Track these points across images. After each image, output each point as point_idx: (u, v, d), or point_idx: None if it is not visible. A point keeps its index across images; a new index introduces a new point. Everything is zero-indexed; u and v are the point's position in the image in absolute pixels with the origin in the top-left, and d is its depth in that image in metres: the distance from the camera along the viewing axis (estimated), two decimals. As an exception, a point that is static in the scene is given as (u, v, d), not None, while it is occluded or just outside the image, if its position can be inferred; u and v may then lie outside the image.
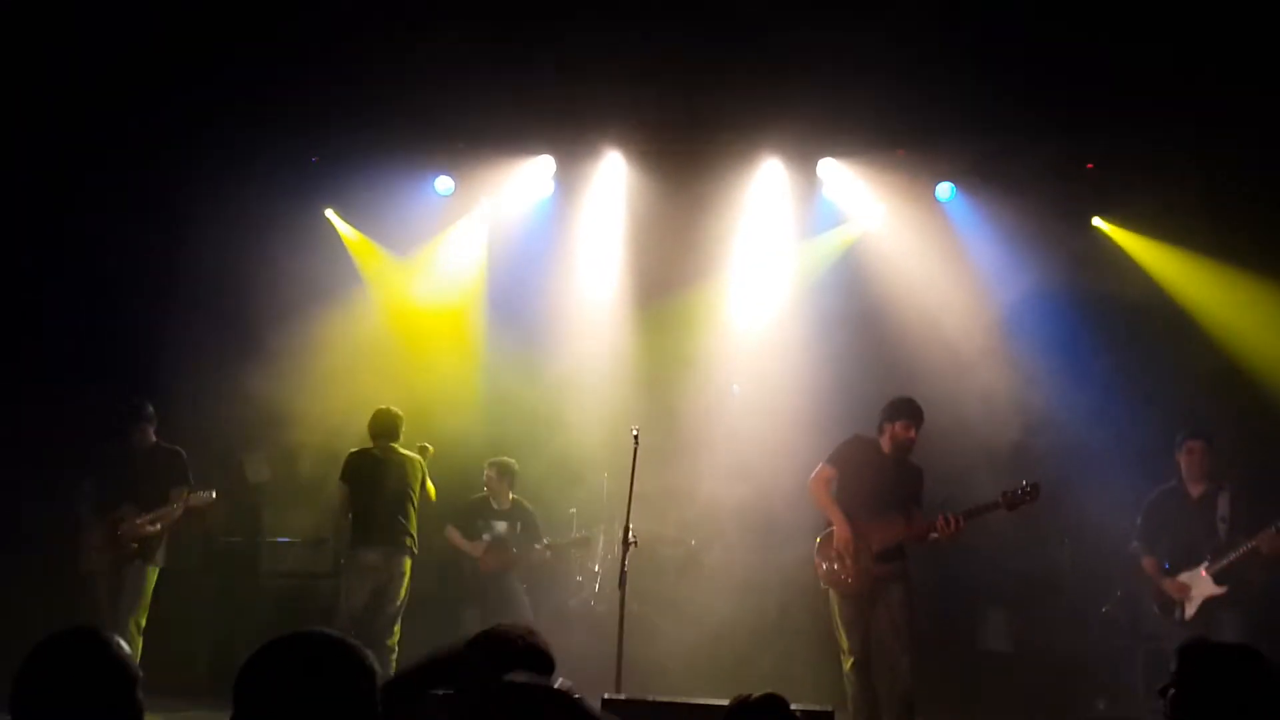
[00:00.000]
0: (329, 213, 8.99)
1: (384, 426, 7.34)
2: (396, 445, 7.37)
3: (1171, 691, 2.77)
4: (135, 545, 6.82)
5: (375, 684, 2.06)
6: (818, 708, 4.22)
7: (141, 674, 2.23)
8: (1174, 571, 6.52)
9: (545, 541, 8.01)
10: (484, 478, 8.16)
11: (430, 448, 7.57)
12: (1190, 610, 6.40)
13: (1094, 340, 8.14)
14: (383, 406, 7.41)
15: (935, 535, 6.24)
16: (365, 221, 8.93)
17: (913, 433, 6.43)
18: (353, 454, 7.34)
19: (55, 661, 2.17)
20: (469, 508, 8.15)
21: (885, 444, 6.47)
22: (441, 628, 7.67)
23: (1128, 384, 7.86)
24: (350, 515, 7.29)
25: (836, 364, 8.20)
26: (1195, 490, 6.62)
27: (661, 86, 7.84)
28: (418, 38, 7.55)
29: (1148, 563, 6.66)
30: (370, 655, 2.08)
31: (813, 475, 6.55)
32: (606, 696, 4.86)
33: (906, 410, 6.43)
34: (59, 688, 2.14)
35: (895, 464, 6.47)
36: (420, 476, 7.39)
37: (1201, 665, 2.78)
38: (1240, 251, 7.91)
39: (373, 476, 7.24)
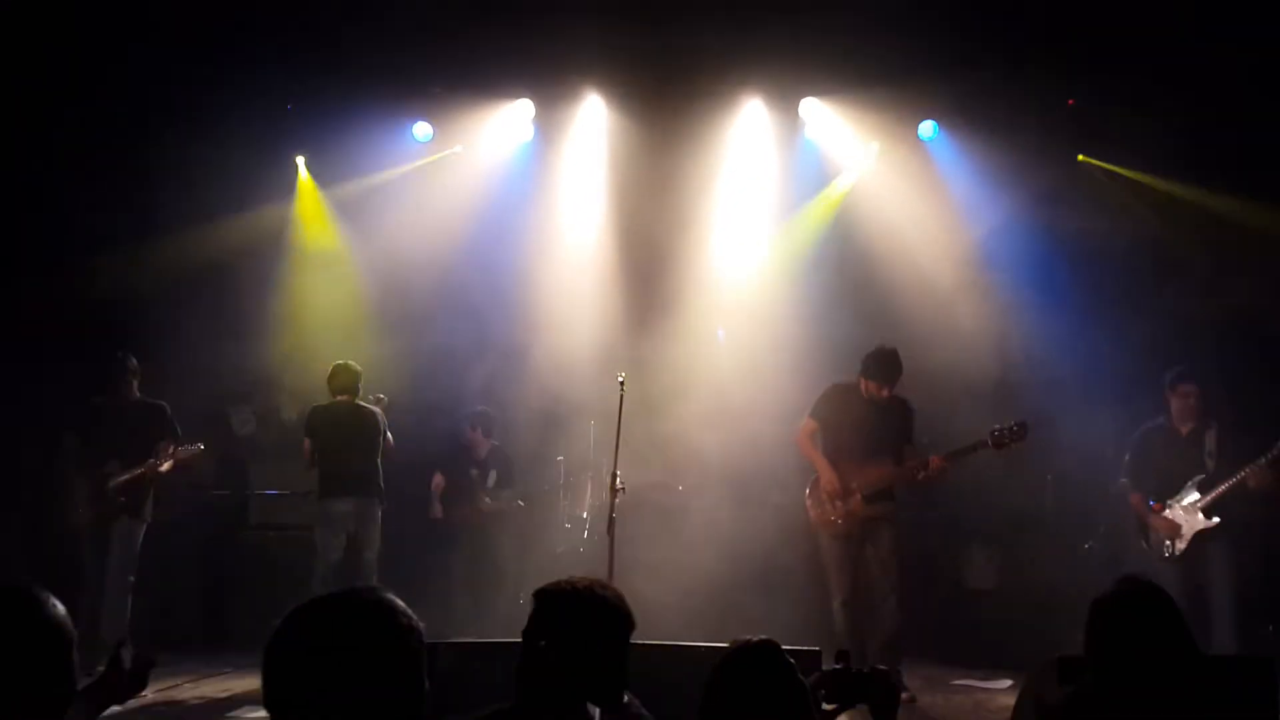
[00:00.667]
0: (299, 160, 8.85)
1: (344, 382, 7.46)
2: (357, 399, 7.49)
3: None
4: (122, 500, 6.81)
5: (421, 645, 1.93)
6: (806, 648, 4.25)
7: (76, 634, 2.08)
8: (1162, 508, 6.55)
9: (512, 495, 8.09)
10: (470, 424, 8.19)
11: (385, 398, 7.68)
12: (1180, 545, 6.43)
13: (1073, 276, 8.12)
14: (341, 362, 7.52)
15: (923, 475, 6.39)
16: (342, 169, 8.79)
17: (885, 392, 6.54)
18: (316, 409, 7.46)
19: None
20: (452, 454, 8.21)
21: (863, 391, 6.59)
22: (426, 574, 7.72)
23: (1108, 320, 7.87)
24: (318, 469, 7.37)
25: (821, 306, 8.19)
26: (1184, 428, 6.62)
27: (640, 26, 7.72)
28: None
29: (1135, 499, 6.67)
30: (413, 615, 1.94)
31: (799, 430, 6.71)
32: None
33: (876, 369, 6.51)
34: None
35: (878, 406, 6.57)
36: (382, 428, 7.52)
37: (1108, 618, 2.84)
38: (1220, 186, 7.87)
39: (337, 429, 7.36)
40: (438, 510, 8.17)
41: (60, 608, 2.08)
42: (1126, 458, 6.78)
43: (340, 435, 7.36)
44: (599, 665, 2.58)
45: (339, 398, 7.45)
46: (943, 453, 6.46)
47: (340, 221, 8.95)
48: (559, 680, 2.56)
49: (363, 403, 7.52)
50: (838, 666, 2.68)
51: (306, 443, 7.43)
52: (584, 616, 2.59)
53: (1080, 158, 8.56)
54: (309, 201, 8.96)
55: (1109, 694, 2.80)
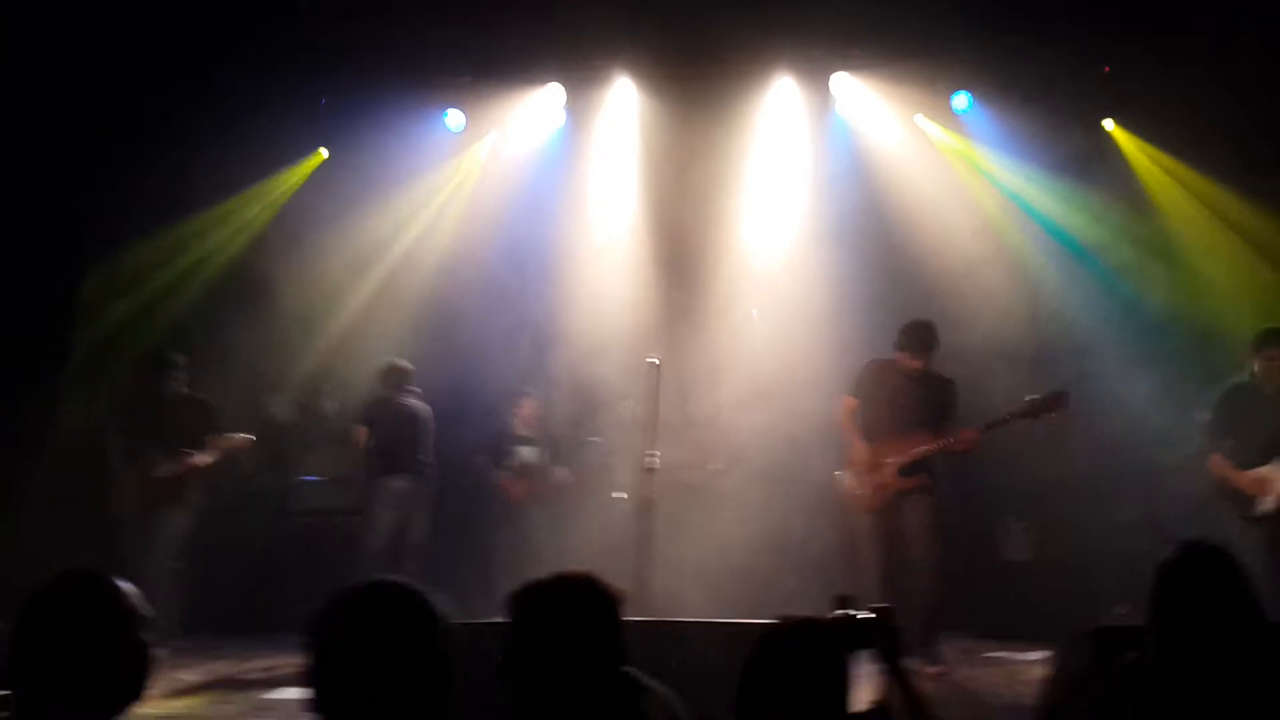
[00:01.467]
0: (323, 152, 8.95)
1: (398, 378, 7.94)
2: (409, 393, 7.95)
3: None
4: (167, 490, 6.98)
5: (446, 629, 2.07)
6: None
7: (151, 613, 2.21)
8: (1247, 466, 6.25)
9: (566, 470, 8.21)
10: (518, 406, 8.28)
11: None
12: (1271, 504, 6.14)
13: (1111, 249, 8.06)
14: (394, 361, 7.94)
15: (958, 445, 6.42)
16: (375, 160, 8.87)
17: (918, 364, 6.55)
18: (370, 403, 7.86)
19: (58, 603, 2.13)
20: (496, 436, 8.28)
21: (899, 365, 6.61)
22: (472, 554, 7.85)
23: (1141, 291, 7.82)
24: (375, 450, 7.72)
25: (854, 283, 8.18)
26: (1268, 388, 6.36)
27: (668, 6, 7.72)
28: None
29: (1216, 459, 6.37)
30: (440, 600, 2.09)
31: (840, 407, 6.79)
32: (631, 619, 4.99)
33: (911, 341, 6.55)
34: (63, 629, 2.10)
35: (915, 381, 6.59)
36: (431, 423, 7.96)
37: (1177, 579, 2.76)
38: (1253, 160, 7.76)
39: (398, 421, 7.80)
40: (499, 477, 8.24)
41: (133, 589, 2.21)
42: (1207, 417, 6.47)
43: (399, 424, 7.80)
44: (587, 648, 2.50)
45: (393, 392, 7.83)
46: (978, 425, 6.47)
47: (374, 212, 9.04)
48: (550, 671, 2.46)
49: (416, 400, 7.93)
50: (839, 613, 2.65)
51: (362, 430, 7.81)
52: (559, 605, 2.51)
53: (1112, 126, 8.45)
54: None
55: (1173, 662, 2.72)
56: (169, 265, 8.24)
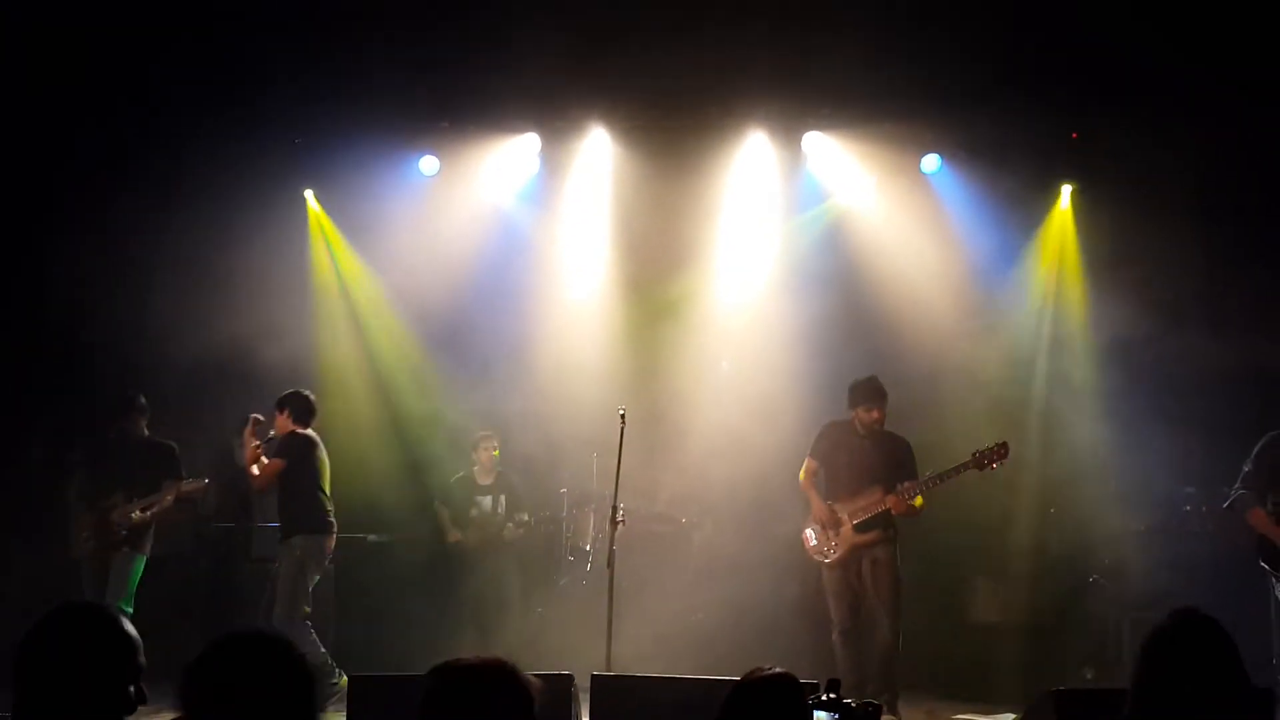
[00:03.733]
0: (308, 194, 8.93)
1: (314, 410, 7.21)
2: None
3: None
4: (124, 533, 6.84)
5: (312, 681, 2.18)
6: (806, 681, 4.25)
7: (143, 660, 2.32)
8: None
9: (524, 518, 8.03)
10: (479, 449, 8.11)
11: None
12: None
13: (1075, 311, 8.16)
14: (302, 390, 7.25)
15: (910, 500, 6.55)
16: (349, 202, 8.86)
17: (875, 413, 6.75)
18: (309, 436, 7.16)
19: (61, 631, 2.26)
20: (455, 486, 8.18)
21: (857, 425, 6.80)
22: (436, 606, 7.71)
23: (1109, 354, 7.90)
24: (314, 499, 7.04)
25: (824, 339, 8.22)
26: None
27: (644, 61, 7.79)
28: (400, 17, 7.52)
29: (1259, 515, 6.10)
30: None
31: (802, 470, 6.94)
32: (596, 674, 4.89)
33: (864, 394, 6.77)
34: (64, 656, 2.22)
35: (872, 441, 6.77)
36: None
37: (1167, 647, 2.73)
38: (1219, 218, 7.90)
39: (324, 460, 7.16)
40: (456, 534, 8.04)
41: (128, 623, 2.34)
42: (1248, 467, 6.21)
43: (325, 466, 7.14)
44: None
45: (311, 424, 7.19)
46: (924, 475, 6.62)
47: (348, 254, 9.01)
48: None
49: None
50: (829, 697, 2.67)
51: (279, 464, 6.99)
52: (474, 694, 2.39)
53: (1078, 190, 8.59)
54: (322, 233, 9.02)
55: None
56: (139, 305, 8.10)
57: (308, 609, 6.85)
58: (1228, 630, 2.72)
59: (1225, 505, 6.35)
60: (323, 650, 6.77)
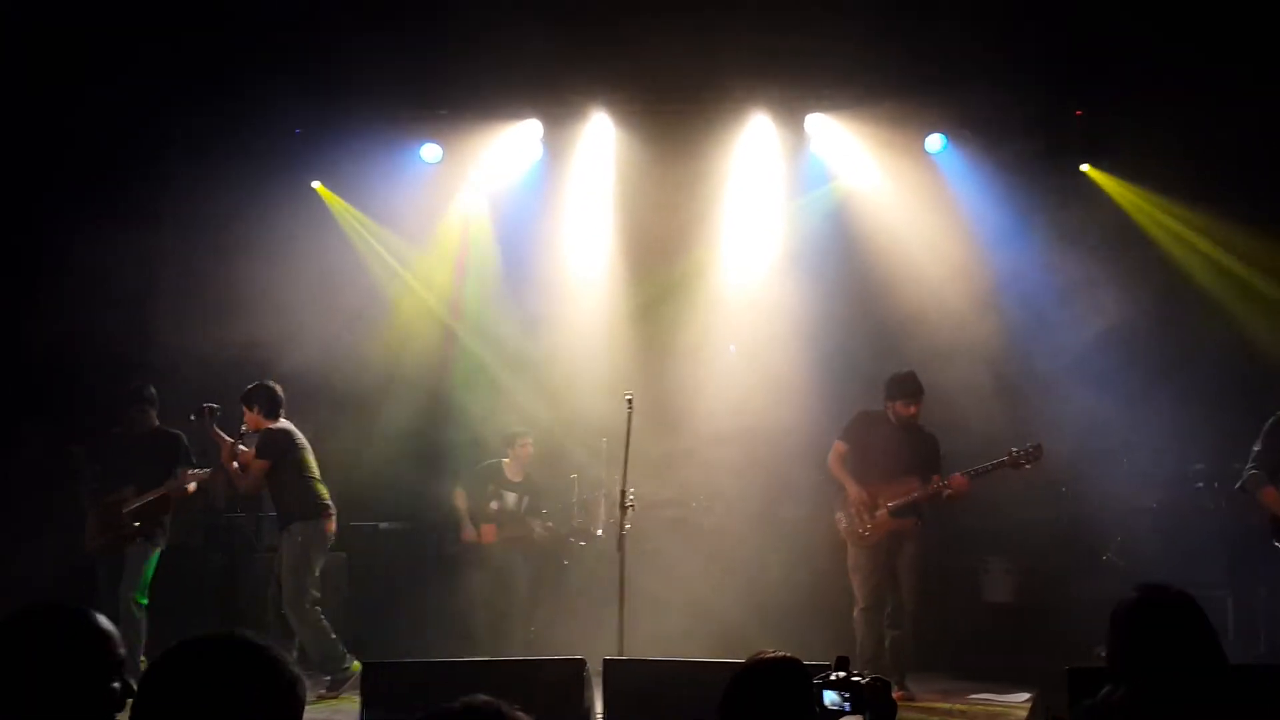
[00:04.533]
0: (315, 185, 8.89)
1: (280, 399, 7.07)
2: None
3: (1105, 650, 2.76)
4: (136, 525, 6.83)
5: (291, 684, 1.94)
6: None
7: (123, 651, 2.17)
8: None
9: (547, 523, 8.02)
10: (516, 445, 8.04)
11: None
12: None
13: (1087, 287, 8.11)
14: (265, 383, 7.08)
15: (948, 493, 6.68)
16: (351, 192, 8.84)
17: (913, 409, 6.87)
18: (289, 431, 7.03)
19: (25, 637, 2.10)
20: (482, 473, 8.11)
21: (891, 416, 6.90)
22: (448, 592, 7.72)
23: (1116, 332, 7.86)
24: (310, 487, 6.98)
25: (830, 320, 8.21)
26: None
27: (645, 44, 7.75)
28: (398, 4, 7.48)
29: (1270, 493, 6.09)
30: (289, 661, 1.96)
31: (830, 453, 6.97)
32: (608, 658, 4.89)
33: (902, 390, 6.87)
34: (32, 661, 2.07)
35: (905, 432, 6.87)
36: None
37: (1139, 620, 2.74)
38: (1224, 196, 7.85)
39: (308, 449, 7.10)
40: (471, 532, 7.97)
41: (108, 623, 2.17)
42: (1257, 447, 6.21)
43: (307, 451, 7.05)
44: None
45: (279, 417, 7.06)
46: (965, 470, 6.70)
47: (350, 241, 8.98)
48: None
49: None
50: (837, 674, 2.64)
51: (263, 464, 6.88)
52: None
53: (1086, 169, 8.54)
54: (352, 219, 8.98)
55: (1142, 703, 2.70)
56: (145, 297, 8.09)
57: (316, 594, 6.82)
58: (1200, 607, 2.73)
59: (1237, 486, 6.34)
60: (333, 636, 6.75)
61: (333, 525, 7.03)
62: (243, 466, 6.95)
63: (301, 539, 6.85)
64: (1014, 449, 6.64)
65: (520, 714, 2.28)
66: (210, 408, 6.95)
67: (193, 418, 6.95)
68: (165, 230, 8.09)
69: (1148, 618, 2.73)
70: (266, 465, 6.91)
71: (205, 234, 8.14)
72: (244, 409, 7.00)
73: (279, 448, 6.93)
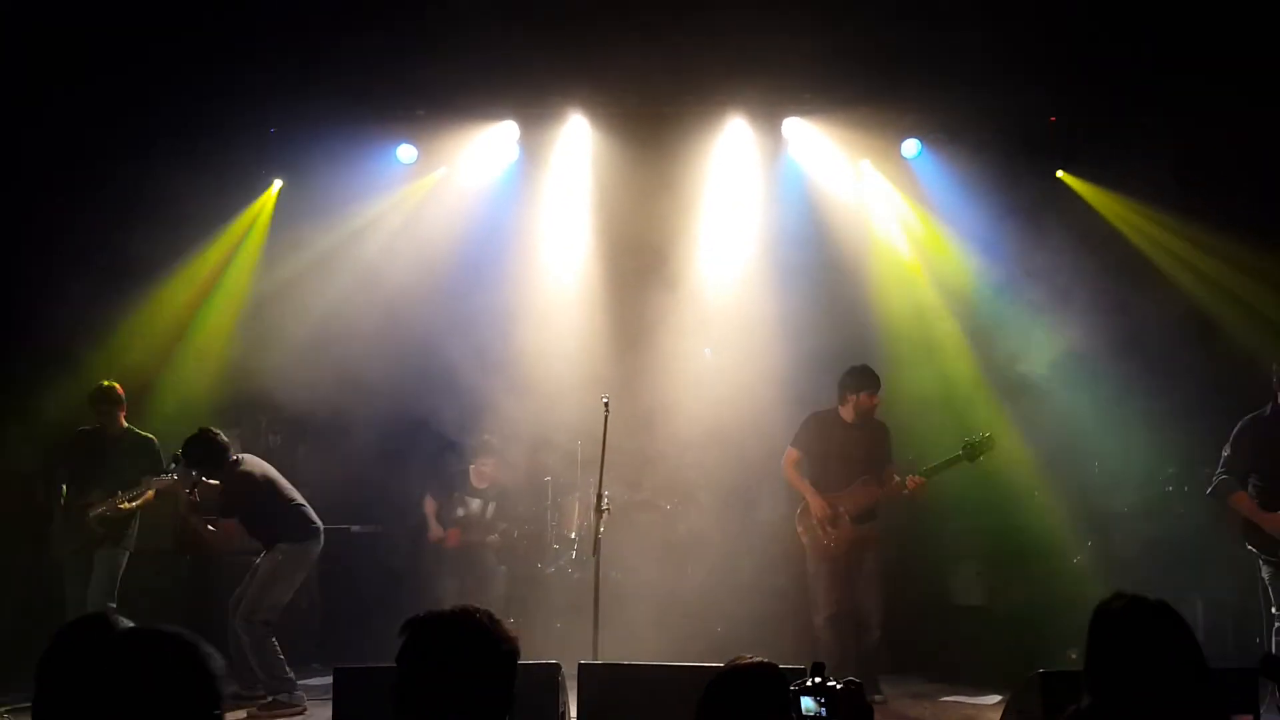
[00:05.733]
0: (276, 184, 8.81)
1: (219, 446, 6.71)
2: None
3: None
4: (104, 530, 6.74)
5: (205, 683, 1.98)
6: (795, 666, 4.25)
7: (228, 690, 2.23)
8: (1271, 504, 5.98)
9: (504, 526, 8.04)
10: (478, 460, 8.07)
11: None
12: None
13: (1060, 291, 8.17)
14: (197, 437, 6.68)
15: (906, 493, 6.69)
16: (326, 192, 8.76)
17: (875, 399, 6.86)
18: (238, 466, 6.74)
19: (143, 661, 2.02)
20: (447, 481, 8.12)
21: (848, 413, 6.88)
22: (421, 596, 7.67)
23: (1095, 333, 7.92)
24: (294, 503, 6.81)
25: (806, 324, 8.20)
26: None
27: (623, 47, 7.74)
28: (374, 3, 7.44)
29: (1241, 498, 6.09)
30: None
31: (784, 460, 6.96)
32: (583, 663, 4.87)
33: (865, 382, 6.87)
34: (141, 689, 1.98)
35: (859, 429, 6.85)
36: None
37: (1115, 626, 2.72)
38: (1200, 202, 7.93)
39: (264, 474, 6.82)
40: (438, 531, 8.00)
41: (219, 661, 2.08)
42: (1227, 451, 6.22)
43: (272, 476, 6.79)
44: (475, 693, 2.39)
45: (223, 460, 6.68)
46: (920, 469, 6.74)
47: (324, 244, 8.90)
48: (436, 709, 2.37)
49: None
50: (813, 680, 2.65)
51: (231, 524, 6.69)
52: (457, 643, 2.41)
53: (1060, 175, 8.61)
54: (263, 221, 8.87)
55: (1112, 710, 2.68)
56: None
57: (272, 616, 6.51)
58: (1180, 612, 2.72)
59: (1209, 491, 6.34)
60: (280, 657, 6.47)
61: (318, 547, 6.79)
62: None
63: (283, 557, 6.59)
64: (965, 439, 6.68)
65: (504, 627, 2.42)
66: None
67: (173, 467, 6.69)
68: (138, 228, 7.99)
69: (1130, 626, 2.70)
70: (234, 521, 6.66)
71: (175, 224, 8.04)
72: (190, 474, 6.65)
73: (240, 490, 6.58)
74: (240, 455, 6.78)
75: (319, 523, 6.80)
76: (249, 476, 6.66)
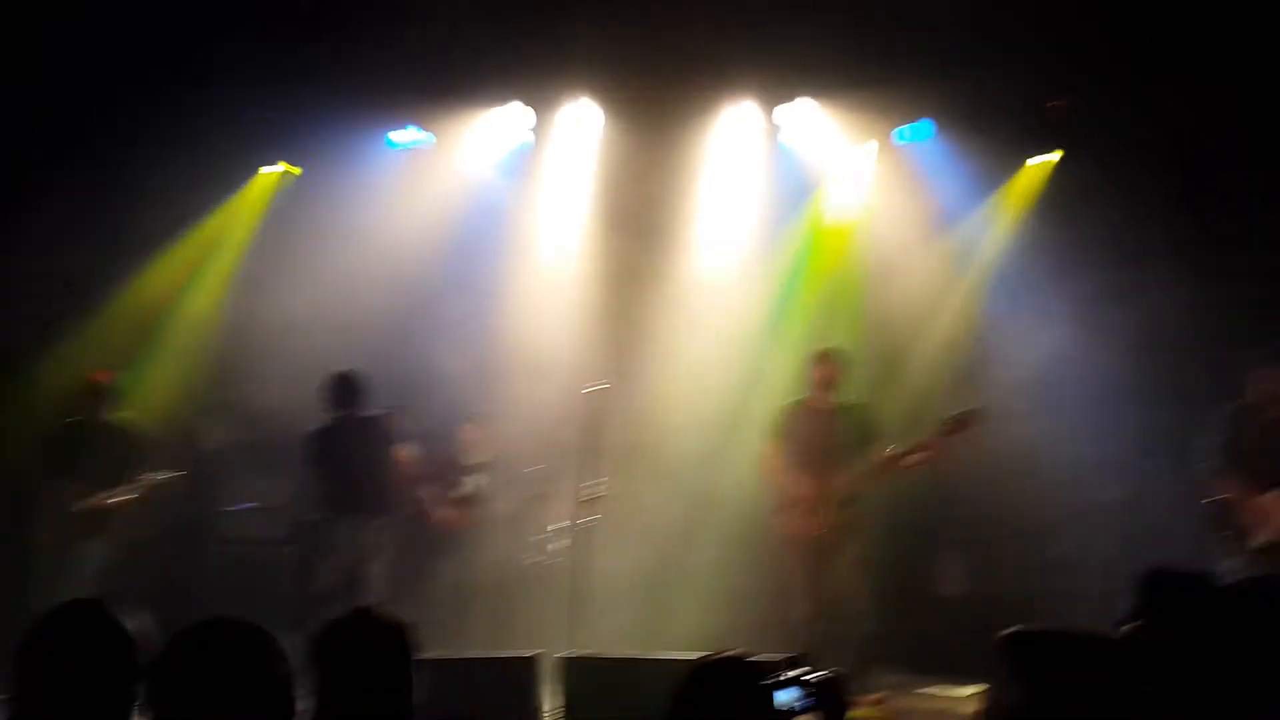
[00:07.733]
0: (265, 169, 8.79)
1: (347, 395, 7.20)
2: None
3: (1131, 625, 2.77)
4: (87, 523, 6.75)
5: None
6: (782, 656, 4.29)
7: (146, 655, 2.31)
8: (1250, 494, 6.06)
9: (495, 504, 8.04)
10: (460, 431, 8.08)
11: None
12: (1265, 537, 5.99)
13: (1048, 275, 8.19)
14: (342, 372, 7.22)
15: (881, 471, 6.61)
16: (328, 176, 8.73)
17: (824, 370, 6.83)
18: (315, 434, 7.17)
19: (62, 632, 2.26)
20: (442, 466, 8.08)
21: (816, 396, 6.86)
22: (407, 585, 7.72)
23: (1087, 322, 7.95)
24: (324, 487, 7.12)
25: (804, 310, 8.20)
26: (1275, 411, 6.20)
27: (630, 29, 7.73)
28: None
29: (1224, 484, 6.20)
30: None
31: (762, 451, 6.97)
32: (563, 655, 4.90)
33: (816, 358, 6.90)
34: (67, 658, 2.22)
35: (830, 413, 6.81)
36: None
37: (1161, 596, 2.78)
38: (1197, 186, 7.92)
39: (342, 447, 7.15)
40: (442, 512, 7.97)
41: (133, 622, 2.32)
42: (1211, 440, 6.32)
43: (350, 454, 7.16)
44: (381, 687, 2.47)
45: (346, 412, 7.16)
46: (895, 449, 6.66)
47: (324, 227, 8.87)
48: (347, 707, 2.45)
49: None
50: (788, 673, 2.66)
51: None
52: (357, 641, 2.50)
53: (1055, 157, 8.58)
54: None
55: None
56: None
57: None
58: None
59: (1193, 478, 6.39)
60: None
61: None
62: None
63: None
64: (944, 418, 6.57)
65: (401, 620, 2.53)
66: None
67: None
68: (132, 207, 8.00)
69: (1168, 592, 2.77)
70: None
71: (171, 209, 8.03)
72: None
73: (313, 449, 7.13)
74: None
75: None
76: (311, 438, 7.20)
